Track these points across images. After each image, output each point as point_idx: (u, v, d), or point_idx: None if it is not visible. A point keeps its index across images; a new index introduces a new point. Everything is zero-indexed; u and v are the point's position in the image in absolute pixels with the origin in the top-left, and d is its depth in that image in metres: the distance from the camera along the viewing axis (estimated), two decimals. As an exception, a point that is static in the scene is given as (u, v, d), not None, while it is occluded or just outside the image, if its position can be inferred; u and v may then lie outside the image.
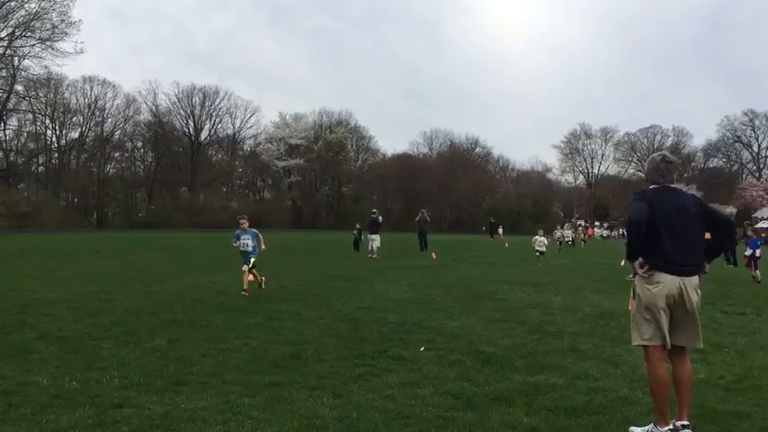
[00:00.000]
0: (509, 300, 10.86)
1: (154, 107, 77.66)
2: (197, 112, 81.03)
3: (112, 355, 6.05)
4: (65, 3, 54.30)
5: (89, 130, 73.02)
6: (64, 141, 71.80)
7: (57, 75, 63.29)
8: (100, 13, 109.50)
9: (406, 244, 30.39)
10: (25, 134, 68.34)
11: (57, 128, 70.50)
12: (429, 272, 16.66)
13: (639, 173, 78.27)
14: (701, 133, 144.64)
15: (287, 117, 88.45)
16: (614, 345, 6.91)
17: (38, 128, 68.76)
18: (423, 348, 6.61)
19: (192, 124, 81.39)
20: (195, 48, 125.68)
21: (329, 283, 13.10)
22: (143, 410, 4.36)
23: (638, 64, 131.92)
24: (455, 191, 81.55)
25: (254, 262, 11.06)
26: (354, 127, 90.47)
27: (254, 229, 11.40)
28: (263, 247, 11.30)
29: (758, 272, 14.87)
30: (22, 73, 57.51)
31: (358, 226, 27.74)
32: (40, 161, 72.56)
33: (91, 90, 71.11)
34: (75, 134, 72.50)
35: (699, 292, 4.10)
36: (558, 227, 39.08)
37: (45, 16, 54.11)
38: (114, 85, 72.46)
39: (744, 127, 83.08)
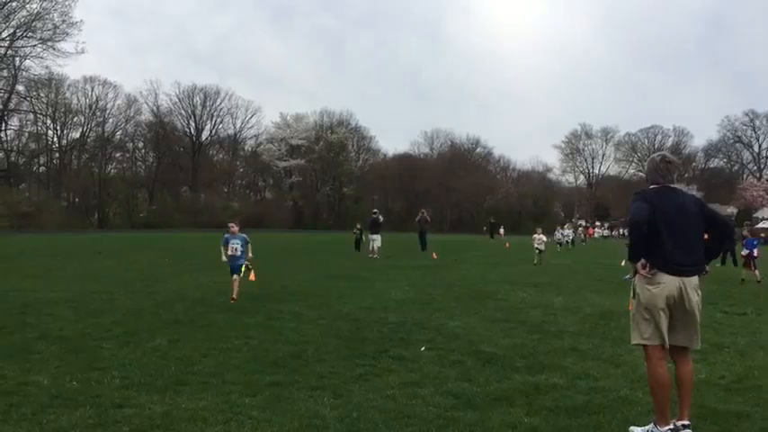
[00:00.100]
0: (510, 300, 10.86)
1: (155, 107, 77.88)
2: (198, 112, 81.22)
3: (113, 355, 6.05)
4: (66, 3, 54.41)
5: (90, 130, 73.18)
6: (65, 141, 71.93)
7: (58, 75, 63.50)
8: (101, 13, 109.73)
9: (406, 244, 30.39)
10: (26, 134, 68.45)
11: (58, 128, 70.64)
12: (430, 272, 16.66)
13: (640, 173, 78.19)
14: (702, 133, 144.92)
15: (288, 117, 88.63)
16: (615, 345, 6.91)
17: (39, 128, 68.89)
18: (423, 348, 6.61)
19: (194, 124, 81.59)
20: (196, 48, 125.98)
21: (330, 283, 13.11)
22: (144, 410, 4.36)
23: (638, 64, 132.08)
24: (456, 191, 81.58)
25: (244, 269, 10.52)
26: (355, 127, 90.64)
27: (244, 234, 10.71)
28: (249, 255, 10.59)
29: (757, 272, 14.89)
30: (24, 73, 57.64)
31: (359, 226, 27.74)
32: (42, 161, 72.64)
33: (92, 90, 71.29)
34: (76, 134, 72.67)
35: (699, 292, 4.11)
36: (559, 227, 39.07)
37: (46, 16, 54.23)
38: (115, 86, 72.66)
39: (744, 127, 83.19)
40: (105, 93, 71.93)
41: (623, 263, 18.69)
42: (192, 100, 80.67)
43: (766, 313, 9.77)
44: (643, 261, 4.04)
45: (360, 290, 11.97)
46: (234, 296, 10.00)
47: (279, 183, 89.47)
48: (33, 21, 53.86)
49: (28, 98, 62.89)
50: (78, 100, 71.05)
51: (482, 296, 11.32)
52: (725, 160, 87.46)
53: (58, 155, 72.09)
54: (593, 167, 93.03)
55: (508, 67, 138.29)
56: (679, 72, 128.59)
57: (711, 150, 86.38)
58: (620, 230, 67.76)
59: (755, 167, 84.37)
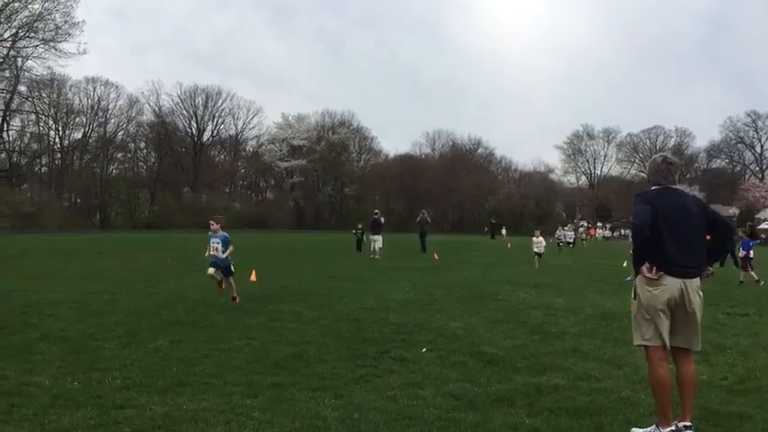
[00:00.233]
0: (511, 301, 10.85)
1: (157, 108, 77.94)
2: (200, 112, 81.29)
3: (115, 356, 6.06)
4: (68, 4, 54.41)
5: (92, 130, 73.25)
6: (67, 142, 72.03)
7: (60, 75, 63.47)
8: (103, 13, 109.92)
9: (408, 245, 30.38)
10: (28, 135, 68.46)
11: (60, 128, 70.73)
12: (431, 272, 16.65)
13: (642, 174, 78.14)
14: (704, 134, 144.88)
15: (289, 118, 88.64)
16: (616, 346, 6.90)
17: (41, 128, 68.91)
18: (425, 349, 6.61)
19: (195, 125, 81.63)
20: (198, 48, 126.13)
21: (331, 284, 13.11)
22: (145, 411, 4.36)
23: (640, 65, 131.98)
24: (457, 191, 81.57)
25: (229, 266, 10.11)
26: (357, 127, 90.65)
27: (225, 233, 10.28)
28: (226, 253, 10.07)
29: (753, 272, 14.92)
30: (26, 74, 57.62)
31: (359, 226, 27.73)
32: (44, 162, 72.71)
33: (94, 91, 71.36)
34: (78, 135, 72.76)
35: (700, 294, 4.10)
36: (560, 227, 39.06)
37: (48, 17, 54.22)
38: (117, 86, 72.73)
39: (746, 128, 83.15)
40: (107, 93, 72.13)
41: (625, 264, 18.67)
42: (194, 100, 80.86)
43: (768, 314, 9.75)
44: (648, 265, 4.03)
45: (361, 290, 11.97)
46: (233, 295, 9.92)
47: (280, 183, 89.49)
48: (35, 21, 53.92)
49: (30, 99, 62.95)
50: (80, 100, 71.27)
51: (483, 297, 11.32)
52: (727, 161, 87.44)
53: (59, 155, 72.22)
54: (594, 168, 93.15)
55: (509, 67, 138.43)
56: (681, 73, 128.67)
57: (713, 151, 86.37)
58: (621, 231, 67.70)
59: (757, 168, 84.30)
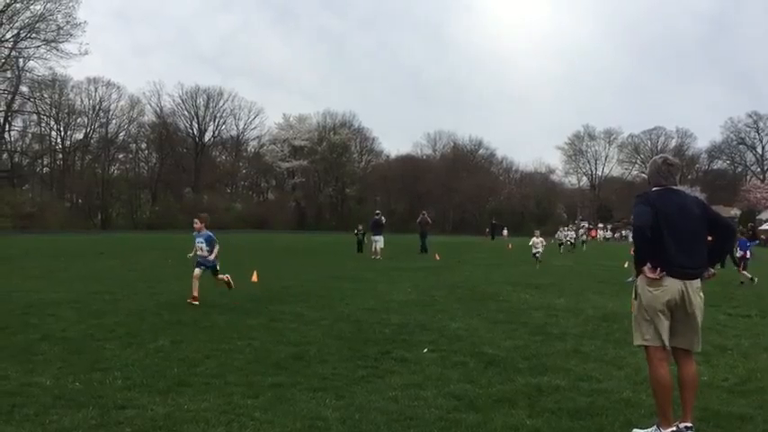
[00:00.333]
0: (512, 301, 10.85)
1: (158, 108, 78.06)
2: (201, 113, 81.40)
3: (116, 356, 6.06)
4: (70, 4, 54.53)
5: (93, 131, 73.38)
6: (68, 142, 72.17)
7: (61, 76, 63.50)
8: (104, 14, 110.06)
9: (409, 245, 30.38)
10: (30, 135, 68.60)
11: (61, 129, 70.86)
12: (432, 273, 16.65)
13: (643, 174, 78.08)
14: (705, 135, 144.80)
15: (291, 118, 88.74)
16: (617, 347, 6.90)
17: (42, 129, 68.97)
18: (426, 350, 6.61)
19: (196, 125, 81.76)
20: (199, 49, 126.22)
21: (332, 284, 13.11)
22: (146, 411, 4.36)
23: (642, 65, 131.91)
24: (458, 192, 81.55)
25: (214, 266, 10.00)
26: (358, 128, 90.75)
27: (210, 233, 9.98)
28: (212, 255, 9.89)
29: (746, 272, 14.95)
30: (27, 74, 57.68)
31: (360, 227, 27.74)
32: (45, 162, 72.82)
33: (95, 91, 71.51)
34: (79, 135, 72.87)
35: (701, 295, 4.10)
36: (561, 228, 39.04)
37: (50, 18, 54.36)
38: (119, 87, 72.86)
39: (748, 129, 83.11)
40: (109, 94, 72.26)
41: (626, 264, 18.67)
42: (195, 101, 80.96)
43: (770, 315, 9.74)
44: (650, 265, 4.03)
45: (362, 291, 11.97)
46: (194, 293, 9.59)
47: (281, 184, 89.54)
48: (37, 22, 54.04)
49: (32, 99, 62.98)
50: (82, 101, 71.40)
51: (484, 298, 11.32)
52: (728, 162, 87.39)
53: (61, 156, 72.32)
54: (596, 169, 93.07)
55: (511, 67, 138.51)
56: (682, 73, 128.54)
57: (715, 152, 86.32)
58: (622, 232, 67.63)
59: (759, 169, 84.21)
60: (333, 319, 8.50)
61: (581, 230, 51.25)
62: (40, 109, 65.10)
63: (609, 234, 69.79)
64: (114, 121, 73.92)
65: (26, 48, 55.53)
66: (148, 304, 9.64)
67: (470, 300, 10.99)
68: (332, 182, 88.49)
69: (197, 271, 9.84)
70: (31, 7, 53.37)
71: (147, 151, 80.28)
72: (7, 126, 63.83)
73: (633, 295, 4.23)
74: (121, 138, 75.74)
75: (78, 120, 71.52)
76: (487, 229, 58.93)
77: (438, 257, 23.26)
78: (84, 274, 14.79)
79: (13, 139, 67.25)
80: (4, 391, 4.77)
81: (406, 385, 5.17)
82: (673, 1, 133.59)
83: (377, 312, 9.21)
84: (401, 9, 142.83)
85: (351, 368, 5.74)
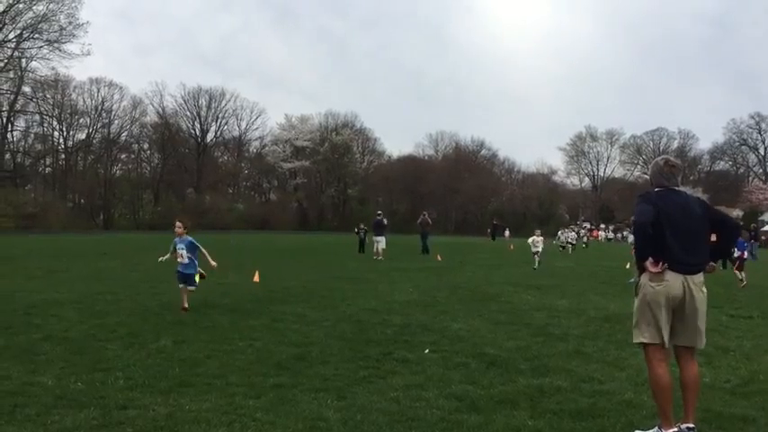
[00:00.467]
0: (514, 302, 10.84)
1: (160, 109, 78.05)
2: (203, 113, 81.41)
3: (117, 356, 6.07)
4: (72, 5, 54.72)
5: (96, 131, 73.40)
6: (71, 143, 72.17)
7: (64, 76, 63.60)
8: (106, 14, 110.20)
9: (411, 246, 30.36)
10: (32, 135, 68.69)
11: (64, 129, 70.87)
12: (434, 274, 16.65)
13: (645, 175, 77.95)
14: (708, 136, 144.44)
15: (293, 119, 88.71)
16: (619, 348, 6.89)
17: (45, 129, 69.09)
18: (427, 350, 6.61)
19: (199, 126, 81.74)
20: (201, 49, 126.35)
21: (334, 285, 13.11)
22: (148, 412, 4.37)
23: (644, 66, 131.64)
24: (460, 193, 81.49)
25: (198, 278, 9.39)
26: (360, 129, 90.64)
27: (191, 238, 9.40)
28: (212, 263, 9.34)
29: (738, 272, 14.93)
30: (30, 74, 57.87)
31: (362, 225, 27.71)
32: (47, 162, 72.92)
33: (98, 92, 71.51)
34: (81, 135, 72.88)
35: (704, 290, 4.11)
36: (562, 229, 38.98)
37: (53, 18, 54.52)
38: (121, 87, 72.84)
39: (750, 130, 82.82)
40: (111, 94, 72.25)
41: (628, 265, 18.64)
42: (198, 101, 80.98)
43: (772, 317, 9.72)
44: (651, 260, 4.04)
45: (364, 292, 11.97)
46: (184, 305, 9.04)
47: (283, 184, 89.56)
48: (40, 22, 54.18)
49: (34, 99, 63.15)
50: (84, 101, 71.40)
51: (486, 298, 11.31)
52: (730, 163, 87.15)
53: (63, 156, 72.39)
54: (598, 170, 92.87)
55: (512, 68, 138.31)
56: (684, 74, 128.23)
57: (717, 153, 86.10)
58: (623, 233, 67.53)
59: (761, 170, 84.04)
60: (335, 320, 8.50)
61: (582, 231, 51.11)
62: (42, 109, 65.26)
63: (611, 235, 69.66)
64: (117, 122, 74.04)
65: (29, 48, 55.80)
66: (150, 305, 9.65)
67: (472, 300, 10.99)
68: (334, 182, 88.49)
69: (181, 286, 9.25)
70: (34, 8, 53.60)
71: (149, 152, 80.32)
72: (10, 126, 64.13)
73: (634, 292, 4.24)
74: (124, 138, 75.83)
75: (81, 120, 71.63)
76: (489, 230, 58.87)
77: (440, 258, 23.26)
78: (87, 274, 14.82)
79: (15, 139, 67.52)
80: (6, 391, 4.78)
81: (407, 386, 5.17)
82: (674, 1, 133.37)
83: (379, 313, 9.21)
84: (402, 10, 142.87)
85: (352, 369, 5.74)
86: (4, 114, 61.76)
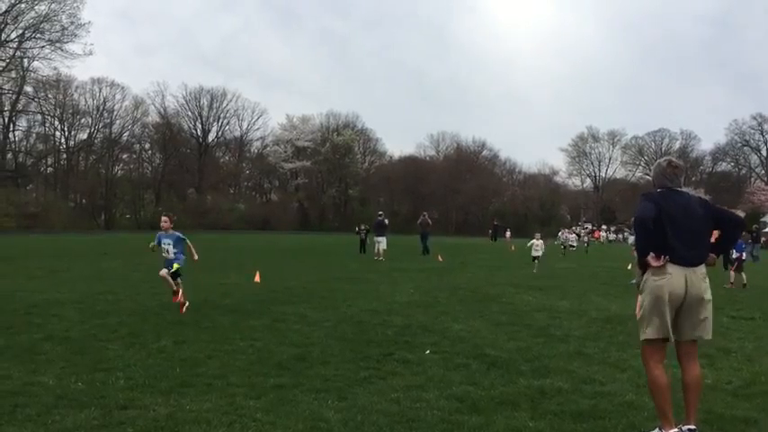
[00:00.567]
0: (515, 303, 10.83)
1: (162, 109, 78.07)
2: (205, 113, 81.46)
3: (118, 356, 6.07)
4: (74, 5, 54.75)
5: (97, 131, 73.40)
6: (72, 143, 72.14)
7: (66, 76, 63.67)
8: (108, 14, 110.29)
9: (412, 246, 30.35)
10: (34, 135, 68.74)
11: (65, 129, 70.86)
12: (435, 274, 16.64)
13: (647, 176, 77.91)
14: (710, 137, 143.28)
15: (294, 119, 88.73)
16: (621, 349, 6.88)
17: (47, 129, 69.09)
18: (428, 351, 6.60)
19: (200, 126, 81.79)
20: (202, 49, 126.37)
21: (335, 285, 13.11)
22: (148, 412, 4.37)
23: (646, 67, 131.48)
24: (462, 193, 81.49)
25: (177, 268, 9.19)
26: (361, 129, 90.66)
27: (178, 233, 9.34)
28: (195, 257, 9.38)
29: (733, 273, 14.90)
30: (32, 74, 57.89)
31: (363, 226, 27.66)
32: (49, 162, 72.94)
33: (99, 92, 71.49)
34: (83, 135, 72.87)
35: (707, 281, 4.12)
36: (563, 230, 38.94)
37: (54, 18, 54.57)
38: (123, 87, 72.81)
39: (752, 131, 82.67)
40: (113, 94, 72.24)
41: (629, 266, 18.62)
42: (199, 101, 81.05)
43: (774, 318, 9.70)
44: (653, 255, 4.04)
45: (365, 292, 11.97)
46: (178, 297, 9.03)
47: (285, 184, 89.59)
48: (42, 22, 54.24)
49: (36, 99, 63.20)
50: (86, 101, 71.38)
51: (487, 299, 11.30)
52: (732, 164, 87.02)
53: (65, 156, 72.41)
54: (599, 170, 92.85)
55: (514, 69, 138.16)
56: (686, 75, 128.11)
57: (719, 154, 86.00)
58: (624, 233, 67.46)
59: (763, 171, 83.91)
60: (335, 321, 8.50)
61: (582, 232, 51.01)
62: (44, 109, 65.32)
63: (612, 236, 69.59)
64: (118, 122, 74.01)
65: (31, 48, 55.86)
66: (151, 305, 9.65)
67: (473, 301, 10.98)
68: (335, 183, 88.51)
69: (163, 271, 9.10)
70: (36, 8, 53.65)
71: (150, 152, 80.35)
72: (11, 126, 64.18)
73: (639, 292, 4.24)
74: (125, 138, 75.80)
75: (82, 120, 71.61)
76: (490, 231, 58.85)
77: (441, 259, 23.25)
78: (88, 274, 14.83)
79: (17, 139, 67.58)
80: (7, 391, 4.78)
81: (408, 387, 5.16)
82: (675, 2, 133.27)
83: (379, 314, 9.21)
84: (404, 10, 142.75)
85: (353, 369, 5.73)
86: (6, 114, 61.86)
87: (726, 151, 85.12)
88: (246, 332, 7.47)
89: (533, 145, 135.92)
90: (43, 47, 55.46)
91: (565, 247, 34.09)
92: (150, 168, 79.97)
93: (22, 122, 66.08)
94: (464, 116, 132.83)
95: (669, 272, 4.02)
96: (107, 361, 5.86)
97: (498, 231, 56.63)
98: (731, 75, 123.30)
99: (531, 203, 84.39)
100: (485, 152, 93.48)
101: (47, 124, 68.58)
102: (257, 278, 13.47)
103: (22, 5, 53.05)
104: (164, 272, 9.08)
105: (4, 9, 52.48)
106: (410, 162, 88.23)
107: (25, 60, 56.68)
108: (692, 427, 4.01)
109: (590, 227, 68.71)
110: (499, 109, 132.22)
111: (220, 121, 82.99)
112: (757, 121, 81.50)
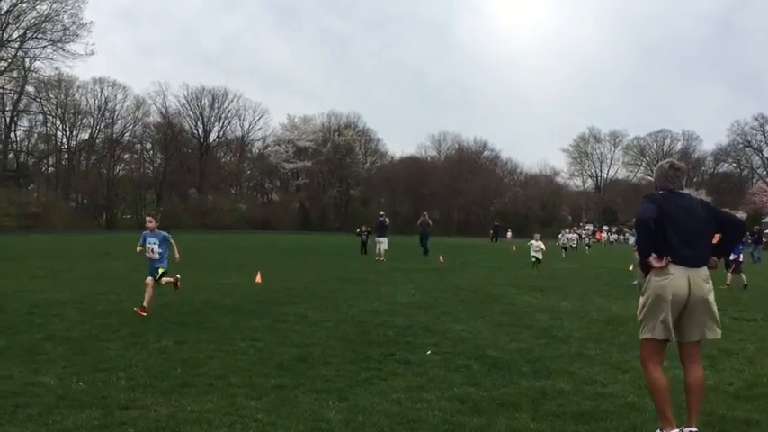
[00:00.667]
0: (516, 304, 10.82)
1: (163, 109, 78.18)
2: (206, 113, 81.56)
3: (119, 357, 6.07)
4: (76, 5, 54.80)
5: (99, 131, 73.47)
6: (74, 143, 72.23)
7: (67, 76, 63.79)
8: (110, 15, 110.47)
9: (413, 247, 30.34)
10: (36, 135, 68.84)
11: (67, 129, 70.95)
12: (436, 275, 16.63)
13: (649, 177, 77.87)
14: (711, 138, 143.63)
15: (295, 119, 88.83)
16: (622, 350, 6.87)
17: (48, 129, 69.21)
18: (429, 352, 6.60)
19: (201, 126, 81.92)
20: (204, 50, 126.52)
21: (336, 286, 13.10)
22: (149, 412, 4.36)
23: (647, 67, 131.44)
24: (463, 194, 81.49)
25: (162, 272, 9.15)
26: (363, 129, 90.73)
27: (164, 232, 9.35)
28: (176, 255, 9.35)
29: (730, 274, 14.89)
30: (33, 74, 57.99)
31: (363, 228, 27.62)
32: (50, 162, 72.99)
33: (101, 92, 71.56)
34: (85, 135, 72.94)
35: (710, 282, 4.12)
36: (563, 231, 38.90)
37: (56, 18, 54.62)
38: (124, 87, 72.91)
39: (754, 132, 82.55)
40: (114, 94, 72.31)
41: (631, 267, 18.60)
42: (201, 102, 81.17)
43: (775, 319, 9.68)
44: (655, 255, 4.04)
45: (366, 293, 11.96)
46: (144, 304, 8.75)
47: (286, 185, 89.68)
48: (43, 22, 54.29)
49: (37, 99, 63.29)
50: (87, 101, 71.46)
51: (488, 300, 11.30)
52: (734, 165, 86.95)
53: (66, 156, 72.45)
54: (601, 171, 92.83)
55: (516, 69, 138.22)
56: (688, 75, 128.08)
57: (721, 155, 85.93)
58: (625, 234, 67.40)
59: (765, 172, 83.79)
60: (336, 321, 8.49)
61: (583, 233, 50.96)
62: (45, 109, 65.42)
63: (614, 237, 69.51)
64: (120, 122, 74.08)
65: (32, 48, 55.92)
66: (152, 305, 9.64)
67: (474, 302, 10.97)
68: (336, 183, 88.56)
69: (149, 280, 9.03)
70: (38, 7, 53.69)
71: (152, 152, 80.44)
72: (13, 126, 64.23)
73: (641, 293, 4.24)
74: (127, 138, 75.89)
75: (84, 120, 71.68)
76: (491, 231, 58.82)
77: (442, 259, 23.24)
78: (89, 274, 14.84)
79: (18, 138, 67.68)
80: (8, 391, 4.79)
81: (409, 387, 5.15)
82: (677, 2, 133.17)
83: (380, 314, 9.20)
84: (406, 10, 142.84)
85: (354, 370, 5.73)
86: (8, 114, 61.90)
87: (727, 152, 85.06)
88: (247, 332, 7.47)
89: (535, 145, 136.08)
90: (45, 47, 55.59)
91: (565, 248, 34.04)
92: (151, 168, 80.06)
93: (24, 122, 66.27)
94: (465, 116, 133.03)
95: (672, 272, 4.02)
96: (108, 361, 5.86)
97: (499, 232, 56.57)
98: (733, 75, 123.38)
99: (532, 204, 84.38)
100: (486, 152, 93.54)
101: (48, 124, 68.78)
102: (258, 278, 13.47)
103: (24, 5, 53.15)
104: (149, 280, 9.02)
105: (5, 9, 52.60)
106: (411, 162, 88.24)
107: (27, 60, 56.85)
108: (694, 429, 4.01)
109: (591, 228, 68.67)
110: (500, 109, 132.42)
111: (222, 121, 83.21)
112: (759, 122, 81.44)
